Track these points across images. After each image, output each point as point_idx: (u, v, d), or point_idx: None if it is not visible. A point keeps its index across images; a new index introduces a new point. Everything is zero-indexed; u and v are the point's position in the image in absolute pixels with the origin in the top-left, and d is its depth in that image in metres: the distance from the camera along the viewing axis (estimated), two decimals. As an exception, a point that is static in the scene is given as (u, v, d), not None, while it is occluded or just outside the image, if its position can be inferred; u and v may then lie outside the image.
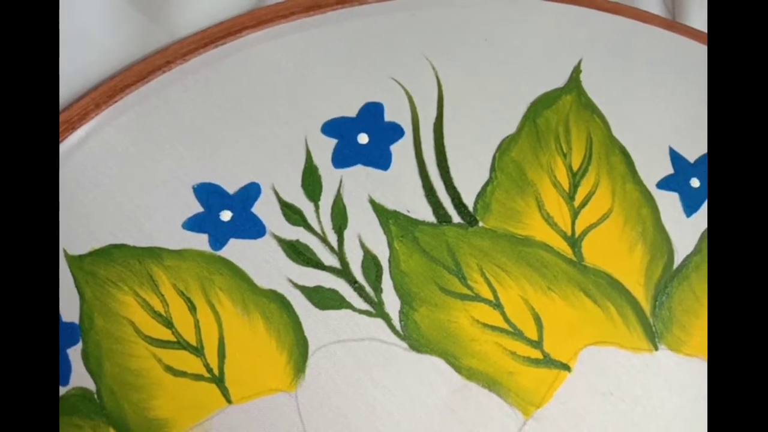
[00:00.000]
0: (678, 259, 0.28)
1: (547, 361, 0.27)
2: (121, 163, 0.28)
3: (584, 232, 0.28)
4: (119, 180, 0.28)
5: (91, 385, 0.26)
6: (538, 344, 0.27)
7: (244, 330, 0.26)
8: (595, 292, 0.27)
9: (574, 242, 0.28)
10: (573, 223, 0.28)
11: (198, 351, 0.26)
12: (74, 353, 0.26)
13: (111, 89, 0.29)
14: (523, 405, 0.26)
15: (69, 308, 0.26)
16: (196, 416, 0.25)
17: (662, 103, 0.30)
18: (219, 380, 0.26)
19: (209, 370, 0.26)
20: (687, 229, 0.29)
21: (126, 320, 0.26)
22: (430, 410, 0.26)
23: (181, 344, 0.26)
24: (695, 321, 0.28)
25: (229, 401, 0.26)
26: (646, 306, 0.28)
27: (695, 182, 0.29)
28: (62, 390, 0.26)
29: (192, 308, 0.27)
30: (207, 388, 0.26)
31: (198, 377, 0.26)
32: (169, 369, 0.26)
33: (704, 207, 0.29)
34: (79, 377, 0.26)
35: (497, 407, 0.26)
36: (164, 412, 0.25)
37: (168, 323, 0.26)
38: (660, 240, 0.28)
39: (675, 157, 0.30)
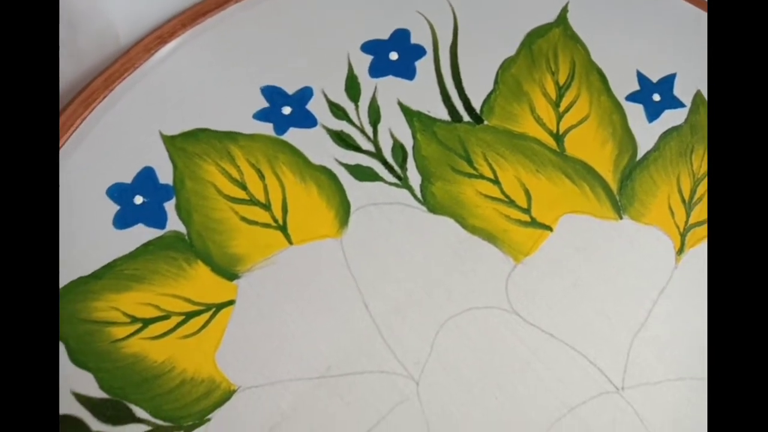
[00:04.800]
0: (640, 154, 0.37)
1: (534, 223, 0.36)
2: (204, 70, 0.38)
3: (566, 131, 0.38)
4: (202, 81, 0.37)
5: (182, 229, 0.35)
6: (527, 211, 0.36)
7: (302, 193, 0.36)
8: (574, 175, 0.37)
9: (558, 138, 0.37)
10: (558, 124, 0.38)
11: (266, 207, 0.35)
12: (169, 206, 0.35)
13: (195, 13, 0.39)
14: (514, 254, 0.35)
15: (165, 173, 0.36)
16: (265, 253, 0.34)
17: (632, 36, 0.40)
18: (283, 228, 0.35)
19: (275, 220, 0.35)
20: (648, 132, 0.38)
21: (210, 183, 0.35)
22: (442, 255, 0.35)
23: (253, 201, 0.35)
24: (652, 199, 0.37)
25: (290, 243, 0.35)
26: (614, 187, 0.37)
27: (656, 97, 0.39)
28: (160, 232, 0.35)
29: (261, 176, 0.36)
30: (273, 234, 0.35)
31: (266, 225, 0.35)
32: (244, 219, 0.35)
33: (664, 115, 0.38)
34: (173, 223, 0.35)
35: (494, 254, 0.35)
36: (240, 249, 0.34)
37: (243, 186, 0.36)
38: (627, 139, 0.38)
39: (641, 78, 0.39)
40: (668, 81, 0.39)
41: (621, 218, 0.36)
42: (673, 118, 0.38)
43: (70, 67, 0.39)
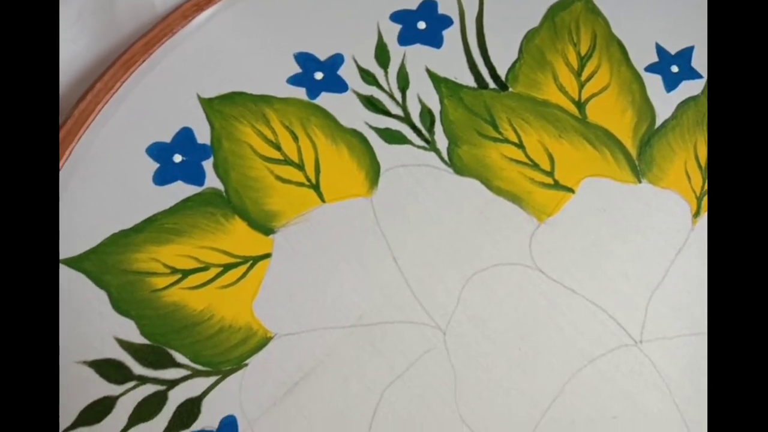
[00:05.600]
0: (659, 122, 0.39)
1: (557, 186, 0.37)
2: (239, 36, 0.39)
3: (588, 99, 0.39)
4: (238, 47, 0.39)
5: (220, 187, 0.36)
6: (550, 173, 0.38)
7: (334, 155, 0.37)
8: (595, 140, 0.38)
9: (580, 105, 0.39)
10: (580, 92, 0.39)
11: (300, 166, 0.37)
12: (207, 164, 0.37)
13: (231, -17, 0.40)
14: (537, 214, 0.37)
15: (202, 134, 0.37)
16: (299, 210, 0.36)
17: (651, 10, 0.41)
18: (315, 187, 0.37)
19: (308, 179, 0.37)
20: (667, 102, 0.40)
21: (246, 143, 0.37)
22: (469, 215, 0.37)
23: (287, 161, 0.37)
24: (669, 165, 0.38)
25: (323, 201, 0.36)
26: (633, 152, 0.38)
27: (675, 68, 0.40)
28: (198, 189, 0.36)
29: (295, 138, 0.38)
30: (307, 192, 0.37)
31: (300, 184, 0.37)
32: (279, 178, 0.37)
33: (682, 85, 0.40)
34: (211, 180, 0.37)
35: (518, 214, 0.37)
36: (275, 206, 0.36)
37: (277, 147, 0.37)
38: (645, 108, 0.39)
39: (659, 50, 0.41)
40: (686, 53, 0.40)
41: (640, 182, 0.37)
42: (690, 88, 0.40)
43: (110, 34, 0.40)
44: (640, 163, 0.38)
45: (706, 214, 0.37)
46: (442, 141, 0.38)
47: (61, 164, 0.36)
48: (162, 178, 0.36)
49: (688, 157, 0.38)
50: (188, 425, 0.32)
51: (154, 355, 0.33)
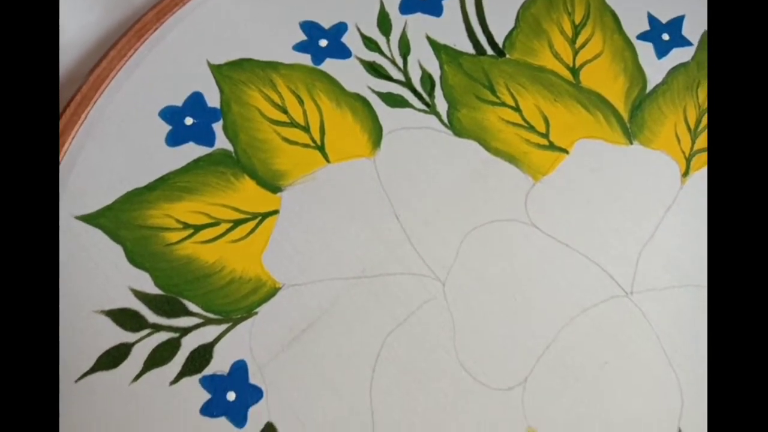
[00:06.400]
0: (650, 87, 0.41)
1: (552, 147, 0.39)
2: (246, 6, 0.41)
3: (582, 65, 0.41)
4: (246, 16, 0.41)
5: (229, 148, 0.38)
6: (545, 135, 0.39)
7: (338, 118, 0.39)
8: (588, 104, 0.40)
9: (575, 71, 0.41)
10: (574, 59, 0.41)
11: (305, 129, 0.39)
12: (217, 127, 0.39)
13: (239, -45, 0.42)
14: (533, 173, 0.39)
15: (212, 98, 0.39)
16: (305, 170, 0.38)
17: (644, -20, 0.43)
18: (321, 148, 0.39)
19: (314, 141, 0.39)
20: (658, 68, 0.41)
21: (254, 107, 0.39)
22: (467, 174, 0.38)
23: (293, 124, 0.39)
24: (660, 128, 0.40)
25: (328, 161, 0.38)
26: (625, 116, 0.40)
27: (665, 36, 0.42)
28: (209, 150, 0.38)
29: (300, 102, 0.39)
30: (312, 153, 0.38)
31: (306, 145, 0.39)
32: (285, 139, 0.39)
33: (672, 52, 0.42)
34: (221, 142, 0.38)
35: (514, 174, 0.38)
36: (283, 166, 0.38)
37: (284, 110, 0.39)
38: (637, 73, 0.41)
39: (651, 19, 0.43)
40: (677, 22, 0.42)
41: (631, 143, 0.39)
42: (681, 55, 0.41)
43: (123, 4, 0.42)
44: (632, 125, 0.40)
45: (695, 173, 0.39)
46: (442, 105, 0.40)
47: (77, 127, 0.38)
48: (174, 139, 0.38)
49: (678, 120, 0.40)
50: (200, 370, 0.34)
51: (167, 305, 0.35)
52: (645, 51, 0.42)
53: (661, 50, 0.42)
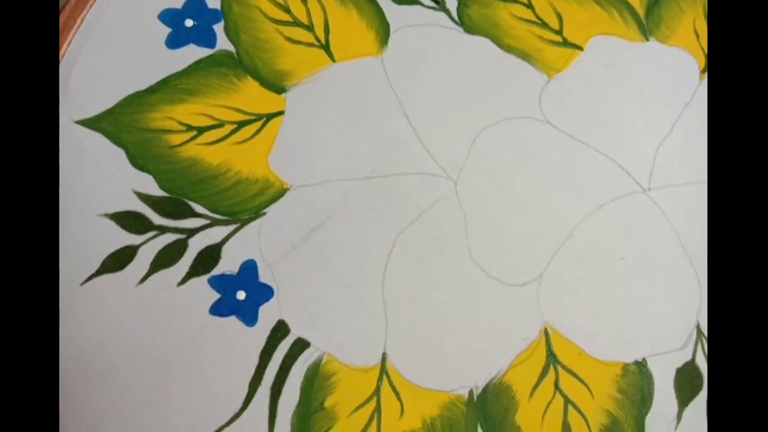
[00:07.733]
0: (667, -18, 0.39)
1: (566, 43, 0.38)
2: None
3: (596, -40, 0.39)
4: None
5: (231, 49, 0.37)
6: (559, 32, 0.38)
7: (343, 16, 0.38)
8: (603, 1, 0.39)
9: (589, -34, 0.39)
10: (588, -46, 0.40)
11: (309, 28, 0.38)
12: (218, 28, 0.37)
13: None
14: (547, 70, 0.37)
15: (212, 0, 0.38)
16: (310, 70, 0.37)
17: None
18: (326, 47, 0.37)
19: (318, 40, 0.37)
20: (675, -37, 0.40)
21: (255, 7, 0.38)
22: (479, 72, 0.37)
23: (296, 23, 0.38)
24: (678, 24, 0.39)
25: (333, 60, 0.37)
26: (641, 12, 0.39)
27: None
28: (210, 51, 0.37)
29: (303, 0, 0.38)
30: (317, 52, 0.37)
31: (310, 45, 0.37)
32: (289, 39, 0.37)
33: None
34: (222, 43, 0.37)
35: (528, 71, 0.37)
36: (287, 66, 0.37)
37: (286, 9, 0.38)
38: (654, -32, 0.40)
39: None
40: None
41: (648, 40, 0.38)
42: (699, -52, 0.40)
43: None
44: (648, 22, 0.38)
45: (713, 70, 0.38)
46: (452, 1, 0.38)
47: (74, 31, 0.37)
48: (174, 42, 0.37)
49: (697, 15, 0.39)
50: (209, 270, 0.33)
51: (173, 206, 0.34)
52: (662, -55, 0.40)
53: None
